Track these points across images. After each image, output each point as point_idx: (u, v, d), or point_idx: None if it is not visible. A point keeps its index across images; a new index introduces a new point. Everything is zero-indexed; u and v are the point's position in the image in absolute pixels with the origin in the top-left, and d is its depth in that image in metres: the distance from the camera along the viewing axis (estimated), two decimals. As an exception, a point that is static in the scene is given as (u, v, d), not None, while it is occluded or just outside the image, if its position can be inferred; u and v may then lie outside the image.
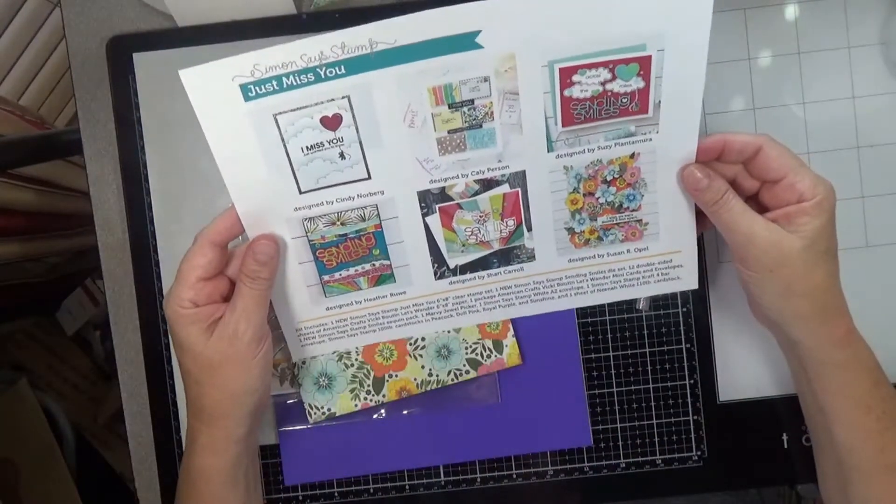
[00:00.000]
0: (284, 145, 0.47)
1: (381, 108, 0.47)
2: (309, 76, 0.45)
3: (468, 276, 0.53)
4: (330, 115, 0.47)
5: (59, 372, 1.21)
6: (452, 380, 0.57)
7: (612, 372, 0.57)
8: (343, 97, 0.46)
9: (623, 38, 0.45)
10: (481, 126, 0.48)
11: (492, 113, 0.47)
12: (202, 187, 0.58)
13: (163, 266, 0.58)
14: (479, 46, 0.45)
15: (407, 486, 0.58)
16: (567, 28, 0.44)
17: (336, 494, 0.58)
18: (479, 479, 0.58)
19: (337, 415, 0.57)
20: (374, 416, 0.57)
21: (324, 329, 0.54)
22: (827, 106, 0.57)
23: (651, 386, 0.57)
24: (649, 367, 0.57)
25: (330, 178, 0.49)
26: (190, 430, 0.50)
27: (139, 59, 0.58)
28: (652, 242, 0.53)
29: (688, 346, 0.57)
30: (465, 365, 0.56)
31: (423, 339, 0.56)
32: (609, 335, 0.57)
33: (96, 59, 0.59)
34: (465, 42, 0.45)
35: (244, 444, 0.50)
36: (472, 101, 0.47)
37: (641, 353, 0.57)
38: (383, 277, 0.53)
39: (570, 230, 0.52)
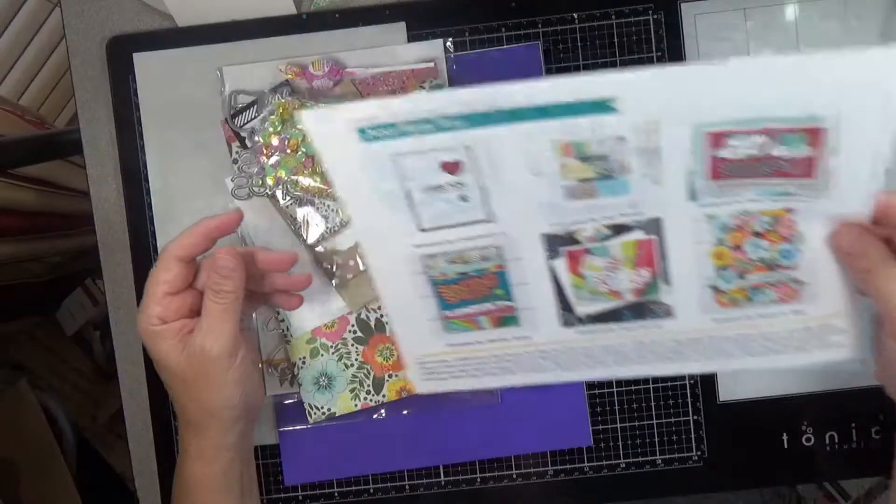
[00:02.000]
0: (404, 186, 0.46)
1: (501, 159, 0.45)
2: (428, 126, 0.44)
3: (598, 326, 0.50)
4: (450, 161, 0.45)
5: (59, 372, 1.21)
6: (452, 380, 0.57)
7: (612, 372, 0.57)
8: (463, 147, 0.44)
9: (790, 108, 0.40)
10: (613, 178, 0.44)
11: (628, 167, 0.44)
12: (202, 187, 0.58)
13: (163, 266, 0.58)
14: (614, 111, 0.42)
15: (407, 486, 0.58)
16: (719, 98, 0.40)
17: (336, 494, 0.58)
18: (479, 479, 0.58)
19: (337, 415, 0.57)
20: (374, 416, 0.57)
21: (445, 365, 0.52)
22: (827, 106, 0.57)
23: (651, 386, 0.57)
24: (649, 367, 0.57)
25: (451, 219, 0.47)
26: (181, 437, 0.50)
27: (139, 59, 0.58)
28: (810, 304, 0.46)
29: (688, 346, 0.57)
30: (465, 365, 0.56)
31: (423, 339, 0.56)
32: (609, 335, 0.57)
33: (96, 59, 0.59)
34: (601, 107, 0.42)
35: (235, 450, 0.49)
36: (605, 157, 0.44)
37: (641, 353, 0.57)
38: (507, 319, 0.50)
39: (715, 288, 0.47)
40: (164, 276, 0.47)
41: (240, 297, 0.48)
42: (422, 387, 0.53)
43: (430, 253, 0.48)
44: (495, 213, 0.47)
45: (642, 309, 0.49)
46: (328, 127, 0.44)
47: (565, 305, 0.49)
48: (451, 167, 0.45)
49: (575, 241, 0.47)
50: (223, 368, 0.47)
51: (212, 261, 0.48)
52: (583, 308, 0.49)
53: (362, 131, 0.44)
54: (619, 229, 0.47)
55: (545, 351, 0.51)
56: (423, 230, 0.48)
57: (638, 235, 0.47)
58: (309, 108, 0.45)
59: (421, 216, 0.47)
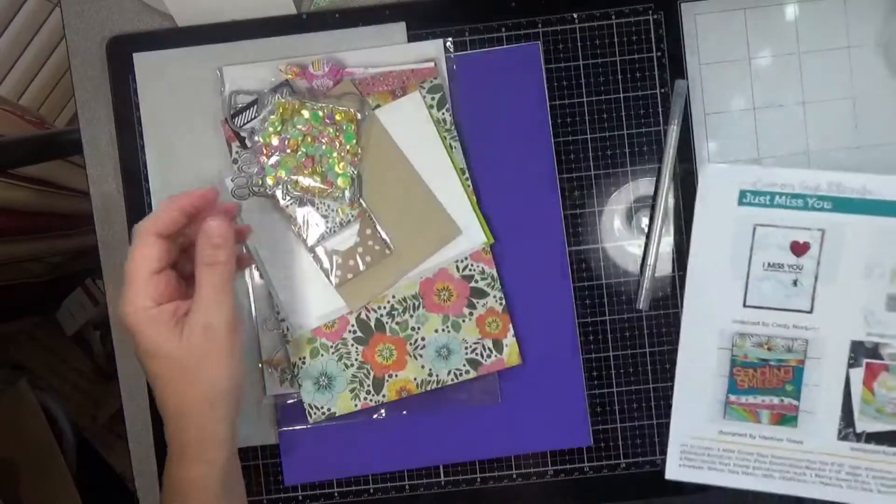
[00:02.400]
0: (751, 255, 0.50)
1: (847, 250, 0.49)
2: (798, 201, 0.49)
3: (873, 447, 0.51)
4: (801, 242, 0.50)
5: (59, 372, 1.21)
6: (452, 380, 0.57)
7: (612, 372, 0.57)
8: (818, 229, 0.49)
9: None
10: None
11: None
12: (202, 187, 0.57)
13: (163, 266, 0.58)
14: None
15: (407, 486, 0.58)
16: None
17: (336, 494, 0.58)
18: (479, 479, 0.58)
19: (337, 415, 0.57)
20: (374, 416, 0.57)
21: (709, 454, 0.53)
22: (827, 106, 0.57)
23: (651, 386, 0.57)
24: (649, 367, 0.57)
25: (775, 301, 0.51)
26: (171, 439, 0.46)
27: (139, 59, 0.58)
28: None
29: (688, 346, 0.57)
30: (465, 365, 0.56)
31: (422, 338, 0.56)
32: (609, 335, 0.57)
33: (96, 59, 0.59)
34: None
35: (230, 445, 0.47)
36: None
37: (641, 353, 0.57)
38: (786, 418, 0.52)
39: None
40: (147, 252, 0.44)
41: (234, 269, 0.46)
42: (673, 472, 0.53)
43: (744, 332, 0.51)
44: (818, 306, 0.50)
45: None
46: (718, 183, 0.50)
47: (847, 418, 0.51)
48: (800, 248, 0.50)
49: (878, 356, 0.50)
50: (229, 344, 0.45)
51: (202, 231, 0.45)
52: (864, 425, 0.50)
53: (743, 193, 0.50)
54: None
55: (812, 461, 0.51)
56: (746, 306, 0.51)
57: None
58: (709, 165, 0.51)
59: (751, 291, 0.51)
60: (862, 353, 0.51)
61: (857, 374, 0.50)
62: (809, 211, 0.50)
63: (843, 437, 0.51)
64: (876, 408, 0.51)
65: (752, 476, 0.52)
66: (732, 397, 0.52)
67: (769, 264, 0.51)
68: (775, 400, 0.52)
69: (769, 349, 0.51)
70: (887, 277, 0.50)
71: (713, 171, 0.52)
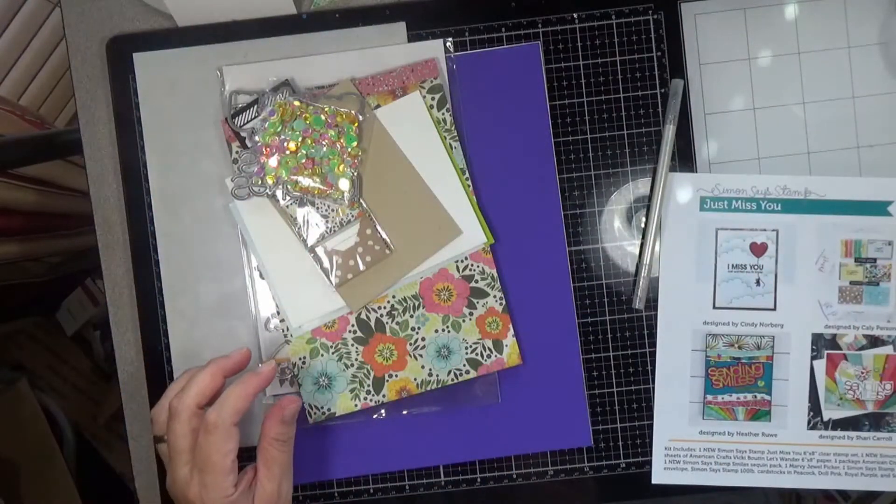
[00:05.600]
0: (716, 258, 0.54)
1: (800, 248, 0.53)
2: (752, 205, 0.53)
3: (839, 433, 0.54)
4: (759, 243, 0.53)
5: (59, 372, 1.21)
6: (452, 380, 0.57)
7: (612, 372, 0.57)
8: (773, 230, 0.53)
9: None
10: (878, 284, 0.52)
11: (889, 274, 0.52)
12: (202, 187, 0.58)
13: (163, 266, 0.58)
14: (888, 214, 0.52)
15: (407, 486, 0.58)
16: None
17: (336, 494, 0.58)
18: (479, 479, 0.58)
19: (337, 415, 0.57)
20: (374, 416, 0.57)
21: (691, 455, 0.55)
22: (827, 106, 0.57)
23: (651, 386, 0.57)
24: (649, 366, 0.57)
25: (741, 301, 0.54)
26: None
27: (139, 59, 0.58)
28: None
29: (688, 346, 0.57)
30: (465, 365, 0.56)
31: (423, 338, 0.56)
32: (609, 335, 0.57)
33: (96, 59, 0.59)
34: (878, 208, 0.52)
35: None
36: (874, 260, 0.52)
37: (641, 352, 0.57)
38: (760, 413, 0.54)
39: None
40: (231, 445, 0.47)
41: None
42: (659, 476, 0.56)
43: (715, 333, 0.54)
44: (780, 303, 0.53)
45: (880, 420, 0.53)
46: (681, 193, 0.54)
47: (815, 408, 0.54)
48: (759, 249, 0.53)
49: (836, 346, 0.53)
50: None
51: (278, 408, 0.49)
52: (829, 413, 0.54)
53: (703, 200, 0.54)
54: (874, 341, 0.53)
55: (786, 453, 0.54)
56: (716, 308, 0.54)
57: (888, 350, 0.53)
58: (670, 174, 0.55)
59: (719, 293, 0.54)
60: (823, 344, 0.54)
61: (821, 366, 0.54)
62: (763, 213, 0.53)
63: (812, 426, 0.54)
64: (839, 395, 0.54)
65: (733, 473, 0.55)
66: (710, 397, 0.55)
67: (733, 266, 0.54)
68: (749, 396, 0.54)
69: (740, 348, 0.54)
70: (836, 271, 0.53)
71: (674, 179, 0.55)
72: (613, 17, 0.57)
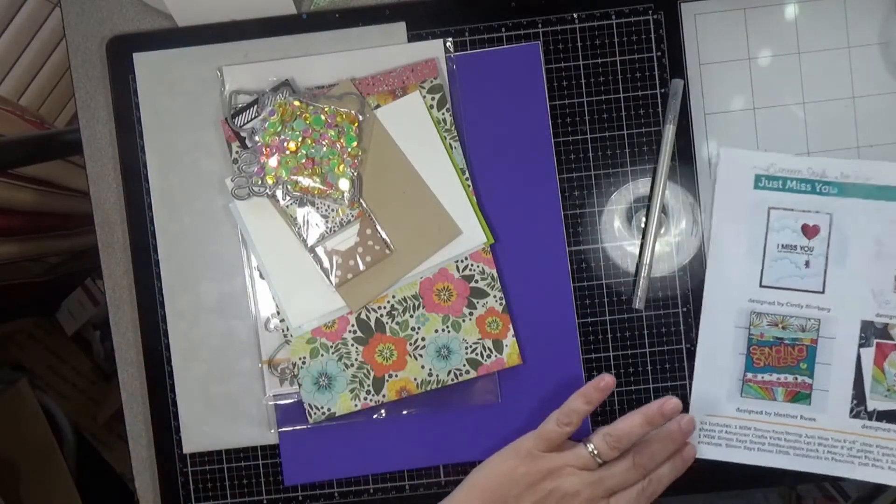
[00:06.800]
0: (766, 237, 0.53)
1: (854, 233, 0.52)
2: (807, 186, 0.53)
3: (884, 425, 0.53)
4: (811, 225, 0.53)
5: (59, 372, 1.21)
6: (452, 380, 0.57)
7: (612, 372, 0.57)
8: (827, 213, 0.53)
9: None
10: None
11: None
12: (202, 187, 0.58)
13: (163, 266, 0.58)
14: None
15: (407, 486, 0.58)
16: None
17: (336, 494, 0.58)
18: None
19: (337, 415, 0.57)
20: (374, 416, 0.57)
21: (726, 431, 0.55)
22: (827, 106, 0.57)
23: (651, 386, 0.57)
24: (649, 367, 0.57)
25: (789, 282, 0.53)
26: None
27: (139, 59, 0.58)
28: None
29: (688, 346, 0.57)
30: (465, 365, 0.56)
31: (422, 338, 0.56)
32: (609, 335, 0.57)
33: (96, 59, 0.59)
34: None
35: None
36: None
37: (641, 353, 0.57)
38: (800, 395, 0.54)
39: None
40: None
41: None
42: (696, 450, 0.54)
43: (760, 311, 0.54)
44: (829, 287, 0.53)
45: None
46: (734, 168, 0.53)
47: (859, 396, 0.53)
48: (811, 231, 0.53)
49: (887, 336, 0.52)
50: None
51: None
52: (875, 403, 0.53)
53: (758, 178, 0.53)
54: None
55: (824, 438, 0.54)
56: (762, 286, 0.54)
57: None
58: (727, 150, 0.54)
59: (766, 272, 0.53)
60: (872, 333, 0.53)
61: (868, 354, 0.53)
62: (818, 195, 0.53)
63: (854, 414, 0.53)
64: (886, 387, 0.53)
65: (768, 453, 0.54)
66: (749, 375, 0.54)
67: (783, 245, 0.53)
68: (790, 378, 0.54)
69: (784, 328, 0.53)
70: (892, 258, 0.52)
71: (731, 155, 0.54)
72: (613, 17, 0.57)
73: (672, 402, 0.52)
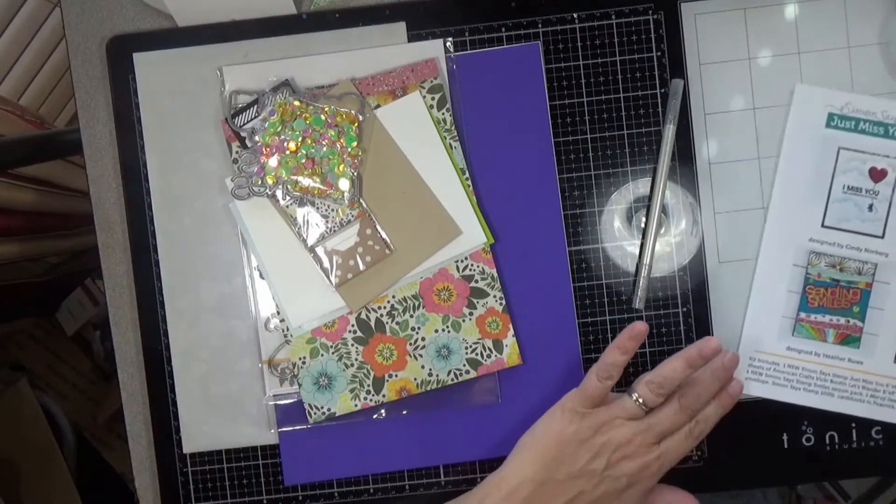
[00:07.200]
0: (832, 178, 0.53)
1: None
2: (880, 129, 0.53)
3: None
4: (879, 168, 0.53)
5: (59, 372, 1.21)
6: (452, 380, 0.57)
7: (612, 372, 0.57)
8: None
9: None
10: None
11: None
12: (202, 187, 0.58)
13: (163, 266, 0.58)
14: None
15: (407, 486, 0.58)
16: None
17: (336, 494, 0.58)
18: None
19: (337, 415, 0.57)
20: (374, 416, 0.57)
21: (775, 369, 0.55)
22: (827, 106, 0.57)
23: (651, 386, 0.57)
24: (649, 367, 0.57)
25: (851, 224, 0.54)
26: None
27: (139, 59, 0.58)
28: None
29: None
30: (465, 365, 0.56)
31: (422, 338, 0.56)
32: (609, 335, 0.57)
33: (96, 59, 0.59)
34: None
35: None
36: None
37: (641, 352, 0.57)
38: (850, 338, 0.54)
39: None
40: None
41: None
42: (742, 385, 0.54)
43: (819, 251, 0.54)
44: (889, 232, 0.53)
45: None
46: (808, 105, 0.53)
47: None
48: (878, 174, 0.53)
49: None
50: None
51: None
52: None
53: (831, 116, 0.53)
54: None
55: (868, 382, 0.54)
56: (824, 226, 0.54)
57: None
58: (803, 86, 0.54)
59: (829, 212, 0.53)
60: None
61: None
62: (890, 139, 0.53)
63: None
64: None
65: (813, 394, 0.55)
66: (802, 314, 0.54)
67: (848, 187, 0.53)
68: (842, 320, 0.54)
69: (841, 270, 0.54)
70: None
71: (806, 92, 0.54)
72: (613, 17, 0.57)
73: (712, 342, 0.51)
